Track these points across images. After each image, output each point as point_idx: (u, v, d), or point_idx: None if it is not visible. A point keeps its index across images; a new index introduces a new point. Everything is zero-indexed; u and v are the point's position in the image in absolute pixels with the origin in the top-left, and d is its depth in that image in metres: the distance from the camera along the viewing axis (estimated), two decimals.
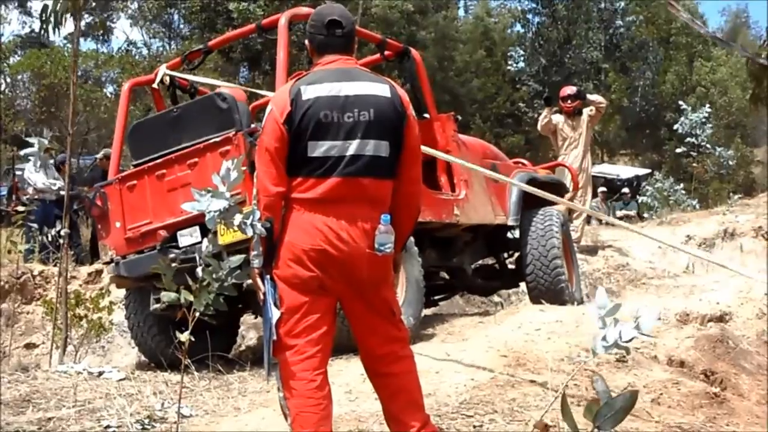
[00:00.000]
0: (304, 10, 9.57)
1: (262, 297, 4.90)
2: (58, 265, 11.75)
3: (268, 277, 4.87)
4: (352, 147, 4.82)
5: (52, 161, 17.56)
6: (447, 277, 11.67)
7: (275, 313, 4.79)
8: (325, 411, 4.83)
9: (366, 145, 4.84)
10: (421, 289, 9.16)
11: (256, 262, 4.90)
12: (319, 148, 4.81)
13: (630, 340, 3.99)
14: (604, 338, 4.01)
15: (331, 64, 5.04)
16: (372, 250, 4.84)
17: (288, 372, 4.82)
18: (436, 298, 12.01)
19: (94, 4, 39.52)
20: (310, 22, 5.18)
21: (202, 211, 4.52)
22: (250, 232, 4.66)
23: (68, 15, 7.65)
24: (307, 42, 5.22)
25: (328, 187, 4.81)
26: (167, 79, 10.07)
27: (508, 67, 53.80)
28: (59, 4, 7.43)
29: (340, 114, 4.82)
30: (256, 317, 10.54)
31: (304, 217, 4.83)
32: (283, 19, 9.05)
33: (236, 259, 4.58)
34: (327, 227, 4.79)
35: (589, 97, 16.57)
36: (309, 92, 4.85)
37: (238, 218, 4.61)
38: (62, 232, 9.69)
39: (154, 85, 10.18)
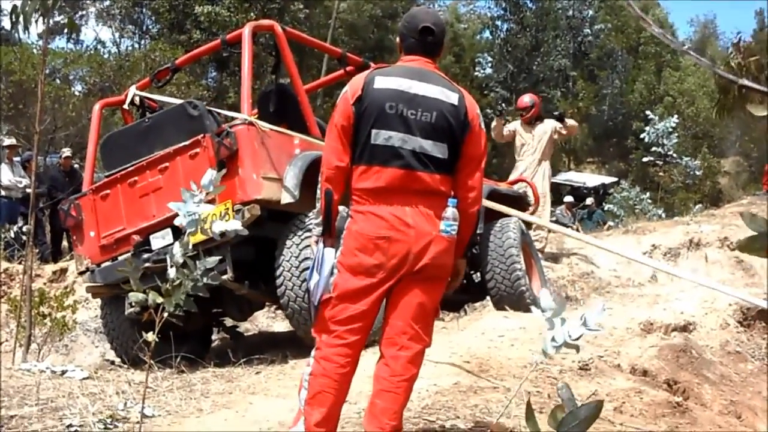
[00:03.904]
0: (266, 22, 10.01)
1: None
2: (22, 262, 11.71)
3: (321, 245, 5.08)
4: (411, 142, 4.96)
5: (18, 159, 17.52)
6: None
7: (314, 279, 5.03)
8: (342, 396, 5.04)
9: (424, 144, 4.98)
10: None
11: (316, 231, 5.13)
12: (381, 137, 4.97)
13: (579, 338, 4.00)
14: (553, 338, 4.02)
15: (411, 63, 5.21)
16: (437, 232, 4.96)
17: (322, 352, 5.00)
18: None
19: (64, 3, 39.26)
20: (404, 22, 5.36)
21: (190, 213, 4.52)
22: (216, 231, 4.67)
23: (38, 16, 7.57)
24: (398, 38, 5.39)
25: (388, 177, 4.96)
26: (137, 99, 10.11)
27: (476, 73, 53.91)
28: (28, 5, 7.36)
29: (405, 108, 4.98)
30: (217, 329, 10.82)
31: (369, 207, 4.99)
32: (246, 30, 9.22)
33: (212, 260, 4.59)
34: (391, 215, 4.94)
35: (568, 122, 16.38)
36: (380, 82, 5.04)
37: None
38: (24, 229, 9.67)
39: (125, 106, 10.25)
